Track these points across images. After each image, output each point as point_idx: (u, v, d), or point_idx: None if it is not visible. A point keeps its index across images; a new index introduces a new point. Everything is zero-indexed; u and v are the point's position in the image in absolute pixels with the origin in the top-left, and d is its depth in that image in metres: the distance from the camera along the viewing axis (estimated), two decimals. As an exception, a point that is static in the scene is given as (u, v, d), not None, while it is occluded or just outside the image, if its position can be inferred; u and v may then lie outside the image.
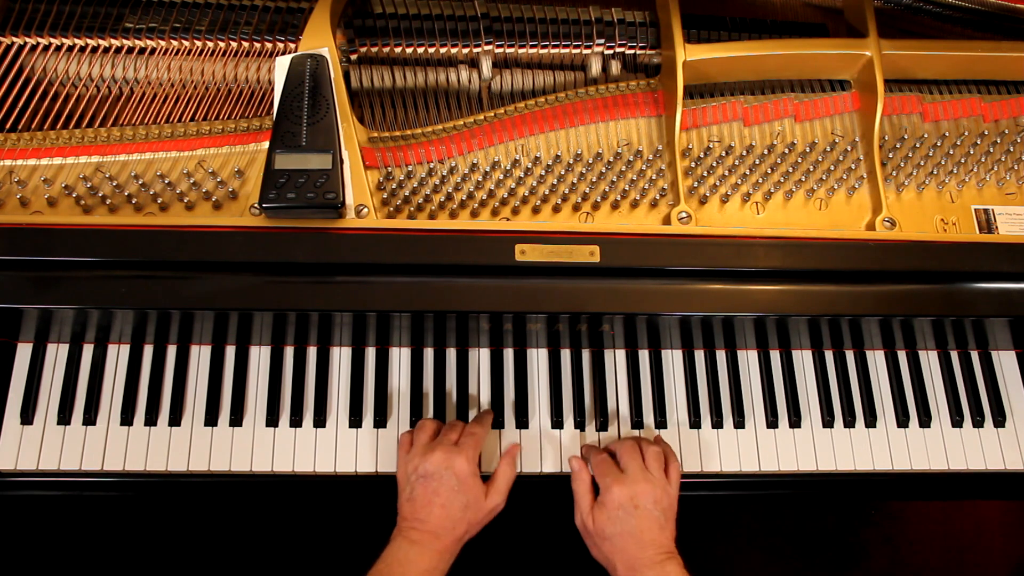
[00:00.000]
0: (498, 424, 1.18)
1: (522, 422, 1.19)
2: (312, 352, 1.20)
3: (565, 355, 1.23)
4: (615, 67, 1.27)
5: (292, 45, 1.20)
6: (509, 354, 1.22)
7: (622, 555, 1.02)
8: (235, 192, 1.12)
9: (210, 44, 1.20)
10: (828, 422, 1.22)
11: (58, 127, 1.16)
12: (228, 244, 1.06)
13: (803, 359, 1.26)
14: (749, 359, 1.25)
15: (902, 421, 1.23)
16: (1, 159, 1.12)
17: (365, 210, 1.10)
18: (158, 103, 1.19)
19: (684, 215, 1.15)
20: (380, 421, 1.17)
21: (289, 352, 1.20)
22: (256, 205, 1.10)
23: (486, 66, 1.23)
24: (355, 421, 1.17)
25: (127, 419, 1.14)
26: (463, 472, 1.04)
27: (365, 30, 1.23)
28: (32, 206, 1.10)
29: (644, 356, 1.24)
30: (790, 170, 1.22)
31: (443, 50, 1.24)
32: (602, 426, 1.19)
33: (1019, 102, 1.29)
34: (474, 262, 1.08)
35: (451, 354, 1.22)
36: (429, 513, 1.02)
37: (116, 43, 1.19)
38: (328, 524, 1.55)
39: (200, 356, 1.19)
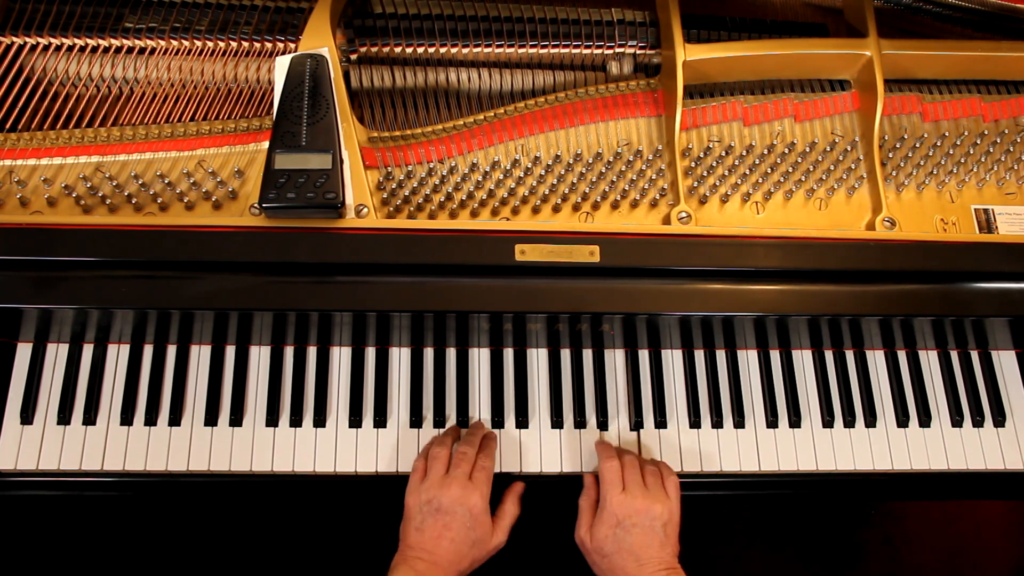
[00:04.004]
0: (498, 424, 1.18)
1: (522, 422, 1.18)
2: (312, 352, 1.20)
3: (565, 355, 1.23)
4: (623, 67, 1.27)
5: (292, 45, 1.20)
6: (509, 354, 1.22)
7: (621, 572, 1.02)
8: (235, 192, 1.12)
9: (210, 44, 1.20)
10: (828, 422, 1.22)
11: (58, 127, 1.16)
12: (228, 244, 1.06)
13: (803, 359, 1.26)
14: (749, 359, 1.25)
15: (902, 421, 1.23)
16: (1, 159, 1.12)
17: (365, 210, 1.10)
18: (158, 103, 1.19)
19: (684, 215, 1.15)
20: (380, 421, 1.17)
21: (289, 352, 1.20)
22: (256, 205, 1.10)
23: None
24: (355, 421, 1.17)
25: (127, 419, 1.14)
26: (477, 509, 1.04)
27: (365, 30, 1.23)
28: (32, 206, 1.10)
29: (644, 356, 1.24)
30: (790, 170, 1.22)
31: (443, 50, 1.24)
32: (602, 426, 1.19)
33: (1019, 102, 1.29)
34: (474, 262, 1.08)
35: (451, 354, 1.22)
36: (437, 546, 1.02)
37: (116, 43, 1.19)
38: (328, 524, 1.55)
39: (200, 356, 1.19)
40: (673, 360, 1.24)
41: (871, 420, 1.22)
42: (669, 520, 1.05)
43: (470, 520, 1.03)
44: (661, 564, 1.01)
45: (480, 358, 1.22)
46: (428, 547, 1.02)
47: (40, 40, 1.18)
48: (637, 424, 1.20)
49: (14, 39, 1.18)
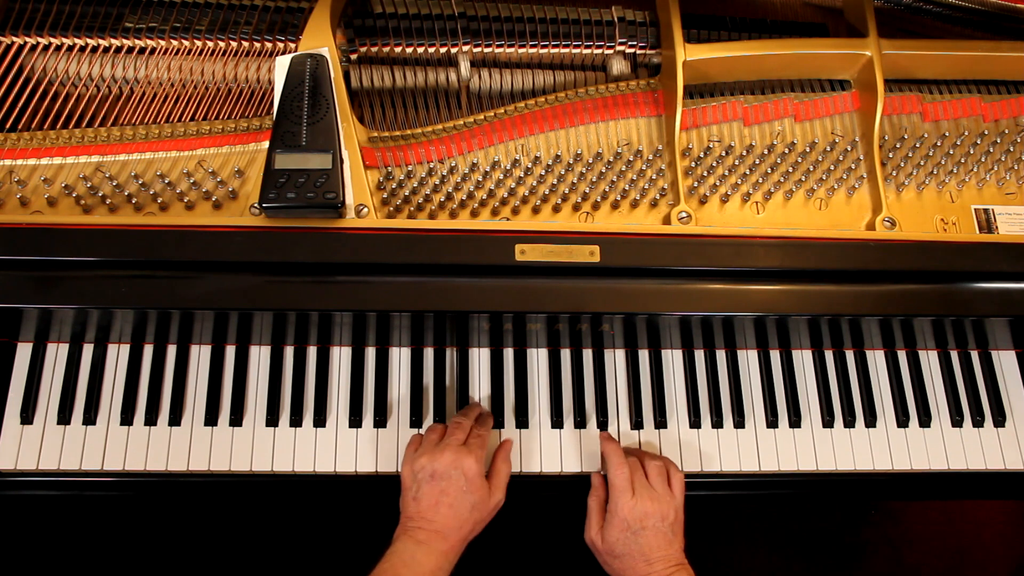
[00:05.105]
0: (498, 424, 1.18)
1: (522, 422, 1.18)
2: (312, 352, 1.20)
3: (565, 355, 1.23)
4: (623, 66, 1.27)
5: (292, 45, 1.20)
6: (509, 354, 1.22)
7: (632, 572, 1.04)
8: (235, 192, 1.12)
9: (210, 44, 1.20)
10: (828, 422, 1.22)
11: (58, 127, 1.16)
12: (228, 244, 1.06)
13: (803, 359, 1.26)
14: (749, 359, 1.25)
15: (902, 421, 1.23)
16: (1, 159, 1.12)
17: (365, 210, 1.10)
18: (158, 103, 1.19)
19: (684, 215, 1.15)
20: (380, 421, 1.17)
21: (289, 352, 1.20)
22: (256, 205, 1.10)
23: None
24: (355, 421, 1.17)
25: (127, 419, 1.14)
26: (472, 472, 1.04)
27: (365, 30, 1.23)
28: (32, 206, 1.10)
29: (644, 356, 1.24)
30: (790, 170, 1.22)
31: (443, 50, 1.24)
32: (602, 425, 1.19)
33: (1019, 102, 1.29)
34: (474, 262, 1.08)
35: (451, 354, 1.22)
36: (436, 513, 1.02)
37: (116, 43, 1.19)
38: (328, 524, 1.55)
39: (200, 356, 1.19)
40: (673, 360, 1.24)
41: (871, 420, 1.22)
42: (676, 519, 1.07)
43: (465, 483, 1.03)
44: (670, 561, 1.03)
45: (480, 358, 1.22)
46: (427, 515, 1.02)
47: (40, 40, 1.18)
48: (637, 424, 1.20)
49: (14, 39, 1.18)
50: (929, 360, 1.27)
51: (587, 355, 1.23)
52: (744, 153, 1.22)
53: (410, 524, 1.02)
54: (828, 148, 1.24)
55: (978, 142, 1.26)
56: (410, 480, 1.06)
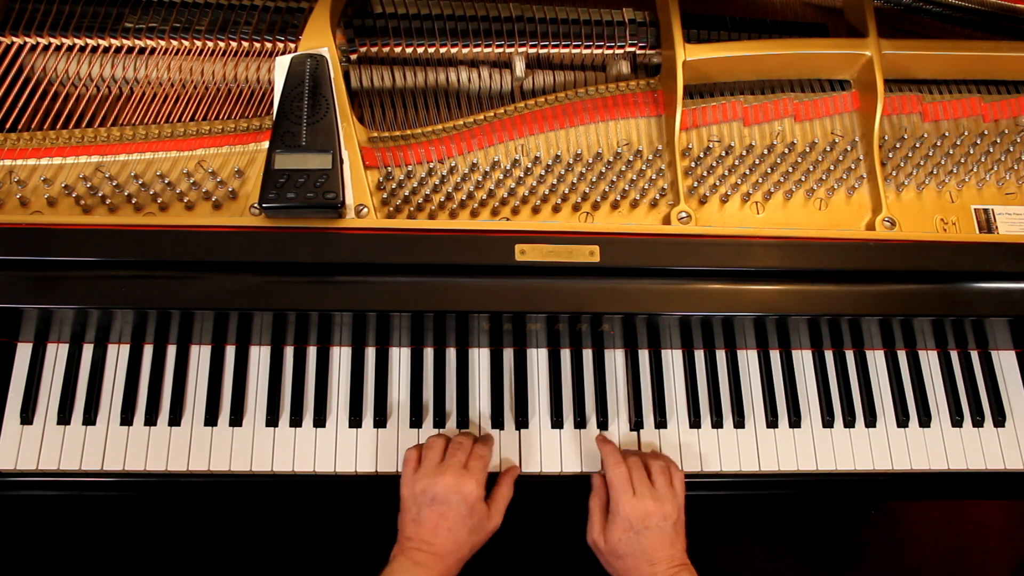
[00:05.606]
0: (498, 424, 1.18)
1: (521, 422, 1.18)
2: (312, 352, 1.20)
3: (565, 355, 1.23)
4: (624, 67, 1.27)
5: (292, 45, 1.20)
6: (509, 354, 1.22)
7: (635, 572, 1.03)
8: (235, 192, 1.12)
9: (210, 44, 1.20)
10: (828, 422, 1.22)
11: (58, 127, 1.16)
12: (228, 244, 1.06)
13: (803, 359, 1.26)
14: (749, 359, 1.25)
15: (902, 421, 1.23)
16: (1, 159, 1.12)
17: (365, 210, 1.10)
18: (158, 103, 1.19)
19: (684, 215, 1.15)
20: (380, 421, 1.17)
21: (289, 352, 1.20)
22: (256, 205, 1.10)
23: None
24: (355, 421, 1.17)
25: (127, 419, 1.14)
26: (473, 497, 1.04)
27: (365, 30, 1.23)
28: (32, 206, 1.10)
29: (644, 356, 1.24)
30: (790, 170, 1.22)
31: (443, 50, 1.24)
32: (602, 426, 1.19)
33: (1019, 102, 1.29)
34: (474, 262, 1.08)
35: (451, 354, 1.22)
36: (436, 536, 1.02)
37: (116, 43, 1.19)
38: (328, 524, 1.55)
39: (200, 356, 1.19)
40: (673, 360, 1.24)
41: (871, 420, 1.22)
42: (678, 519, 1.07)
43: (466, 508, 1.03)
44: (673, 561, 1.03)
45: (480, 358, 1.22)
46: (426, 538, 1.02)
47: (40, 40, 1.18)
48: (637, 424, 1.20)
49: (14, 39, 1.18)
50: (929, 360, 1.27)
51: (587, 355, 1.23)
52: (744, 153, 1.22)
53: (409, 545, 1.02)
54: (828, 148, 1.24)
55: (978, 142, 1.26)
56: (410, 502, 1.05)
